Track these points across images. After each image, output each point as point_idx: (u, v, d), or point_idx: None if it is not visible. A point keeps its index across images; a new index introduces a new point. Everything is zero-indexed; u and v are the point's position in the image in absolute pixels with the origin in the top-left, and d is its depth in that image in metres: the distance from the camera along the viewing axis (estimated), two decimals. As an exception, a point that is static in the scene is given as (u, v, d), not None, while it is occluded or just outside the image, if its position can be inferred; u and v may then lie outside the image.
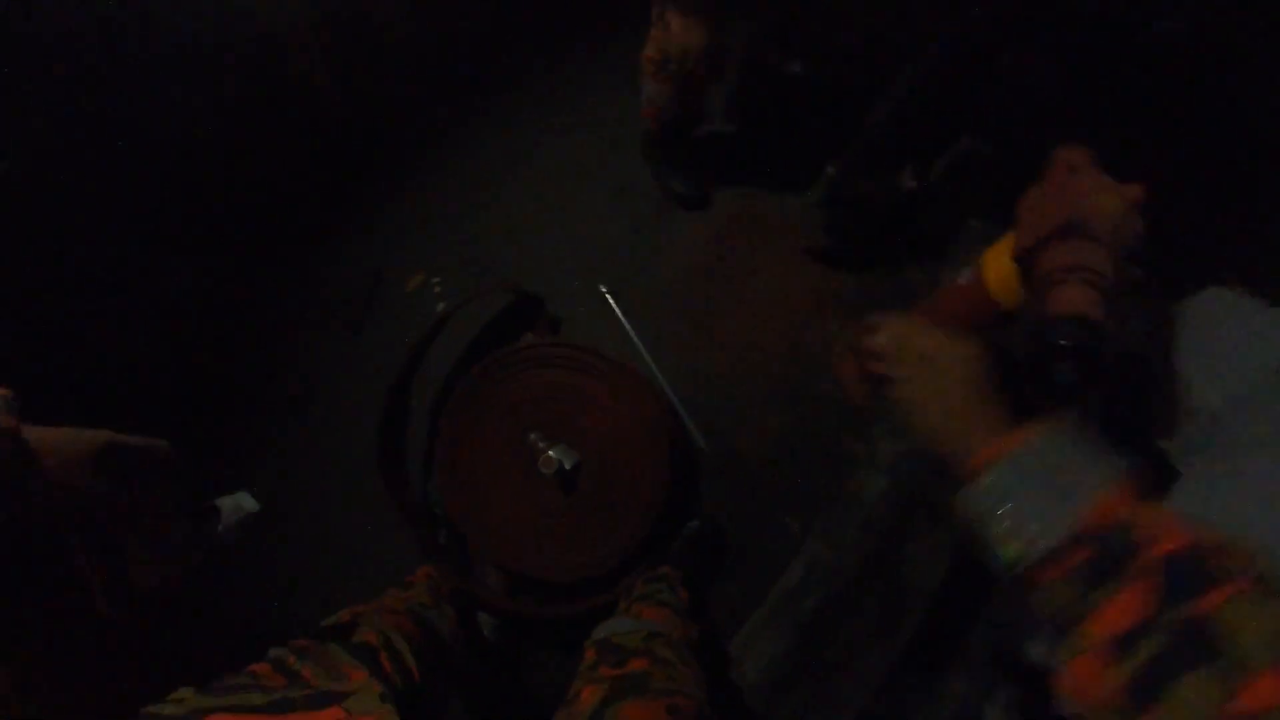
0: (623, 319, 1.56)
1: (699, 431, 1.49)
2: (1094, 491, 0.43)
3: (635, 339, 1.54)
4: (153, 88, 1.59)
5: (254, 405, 1.61)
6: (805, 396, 1.49)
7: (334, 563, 1.50)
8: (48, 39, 1.51)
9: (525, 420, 1.39)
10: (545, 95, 1.77)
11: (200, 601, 1.14)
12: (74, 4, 1.53)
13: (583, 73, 1.76)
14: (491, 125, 1.76)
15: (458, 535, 1.43)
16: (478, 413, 1.40)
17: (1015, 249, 1.05)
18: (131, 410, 1.49)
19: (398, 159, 1.75)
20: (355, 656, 0.77)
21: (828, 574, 1.27)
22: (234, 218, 1.66)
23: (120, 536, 0.55)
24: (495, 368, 1.40)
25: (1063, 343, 0.84)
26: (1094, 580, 0.39)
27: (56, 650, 0.44)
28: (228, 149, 1.67)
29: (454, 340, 1.54)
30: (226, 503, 0.79)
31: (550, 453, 1.33)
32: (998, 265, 1.08)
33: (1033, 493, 0.45)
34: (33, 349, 1.40)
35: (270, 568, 1.48)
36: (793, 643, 1.24)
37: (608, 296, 1.57)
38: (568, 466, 1.32)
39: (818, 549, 1.32)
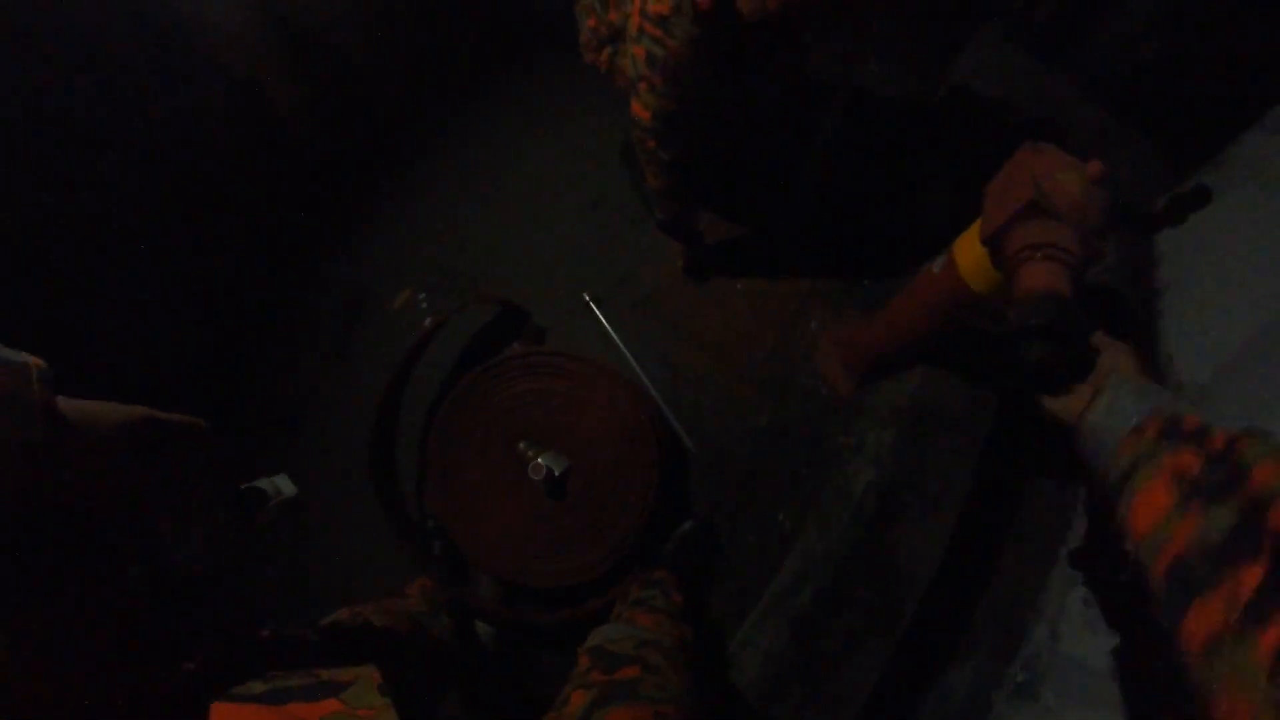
0: (606, 325, 1.57)
1: (687, 433, 1.50)
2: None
3: (620, 344, 1.56)
4: (134, 135, 1.59)
5: (246, 428, 1.62)
6: (791, 393, 1.50)
7: (330, 577, 1.49)
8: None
9: (514, 429, 1.40)
10: (519, 109, 1.80)
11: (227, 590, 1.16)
12: (57, 83, 1.53)
13: (554, 86, 1.79)
14: (467, 142, 1.78)
15: (452, 546, 1.44)
16: (467, 424, 1.41)
17: (982, 232, 1.06)
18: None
19: (375, 180, 1.77)
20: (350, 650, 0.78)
21: (820, 568, 1.27)
22: (217, 247, 1.67)
23: (158, 517, 0.54)
24: (483, 379, 1.42)
25: (1031, 321, 0.85)
26: (1169, 441, 0.54)
27: (81, 632, 0.43)
28: (211, 183, 1.69)
29: (442, 354, 1.56)
30: (266, 485, 0.78)
31: (539, 460, 1.34)
32: (969, 251, 1.10)
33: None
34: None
35: (264, 586, 1.48)
36: (788, 639, 1.24)
37: (591, 304, 1.59)
38: (557, 473, 1.33)
39: (810, 543, 1.32)
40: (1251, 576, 0.40)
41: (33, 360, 0.44)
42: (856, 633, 1.27)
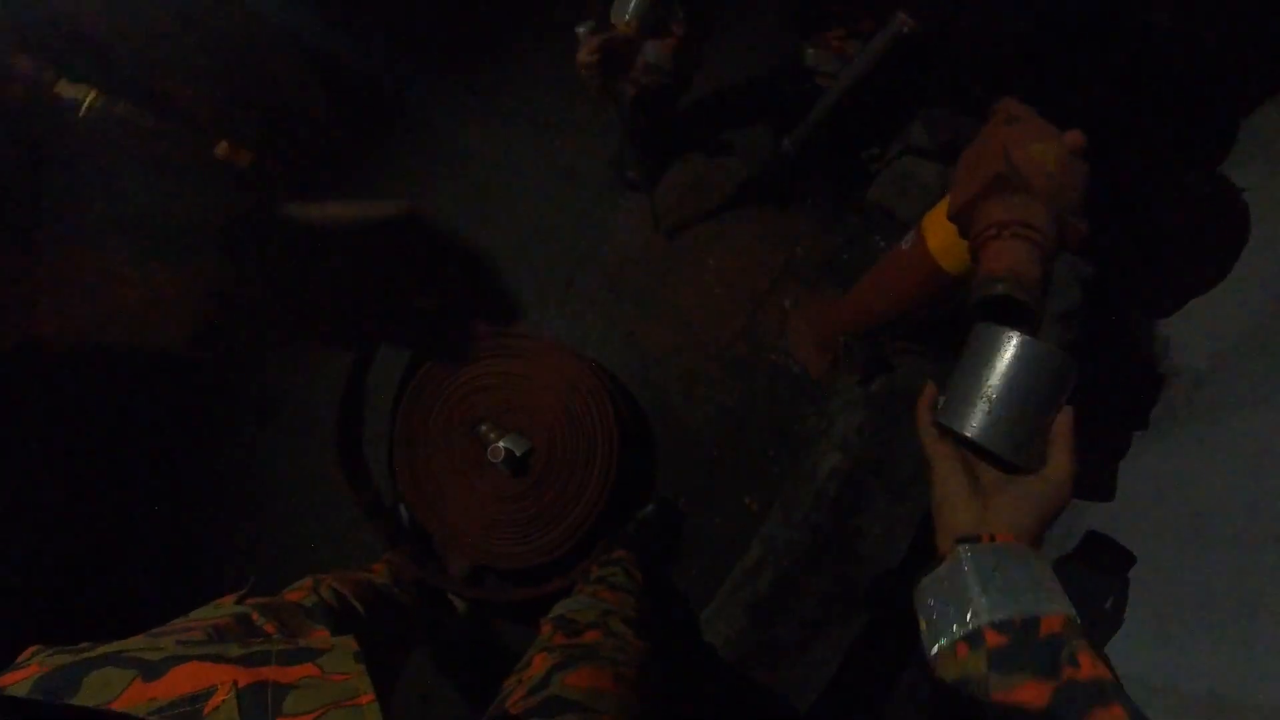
0: (574, 304, 1.53)
1: (652, 413, 1.47)
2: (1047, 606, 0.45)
3: (586, 324, 1.52)
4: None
5: (220, 418, 1.61)
6: (761, 373, 1.45)
7: (303, 560, 1.52)
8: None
9: (477, 411, 1.38)
10: (483, 84, 1.71)
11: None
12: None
13: (520, 59, 1.69)
14: (431, 119, 1.70)
15: (421, 528, 1.45)
16: (430, 408, 1.40)
17: (950, 208, 0.99)
18: (98, 421, 1.54)
19: (341, 167, 1.71)
20: (310, 618, 0.78)
21: (780, 554, 1.24)
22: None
23: None
24: (440, 365, 1.40)
25: (996, 295, 0.78)
26: (1006, 666, 0.42)
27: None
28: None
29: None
30: None
31: (500, 443, 1.32)
32: (939, 227, 1.02)
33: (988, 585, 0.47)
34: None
35: (239, 566, 1.51)
36: (746, 624, 1.23)
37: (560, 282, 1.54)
38: (518, 454, 1.32)
39: (772, 528, 1.30)
40: None
41: None
42: (815, 621, 1.25)
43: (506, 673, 0.83)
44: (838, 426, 1.31)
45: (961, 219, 0.95)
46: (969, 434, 0.54)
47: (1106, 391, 1.36)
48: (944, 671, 0.46)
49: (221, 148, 1.33)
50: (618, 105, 1.11)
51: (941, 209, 1.02)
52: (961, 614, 0.46)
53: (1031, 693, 0.40)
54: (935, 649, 0.47)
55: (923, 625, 0.49)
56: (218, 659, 0.47)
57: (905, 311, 1.15)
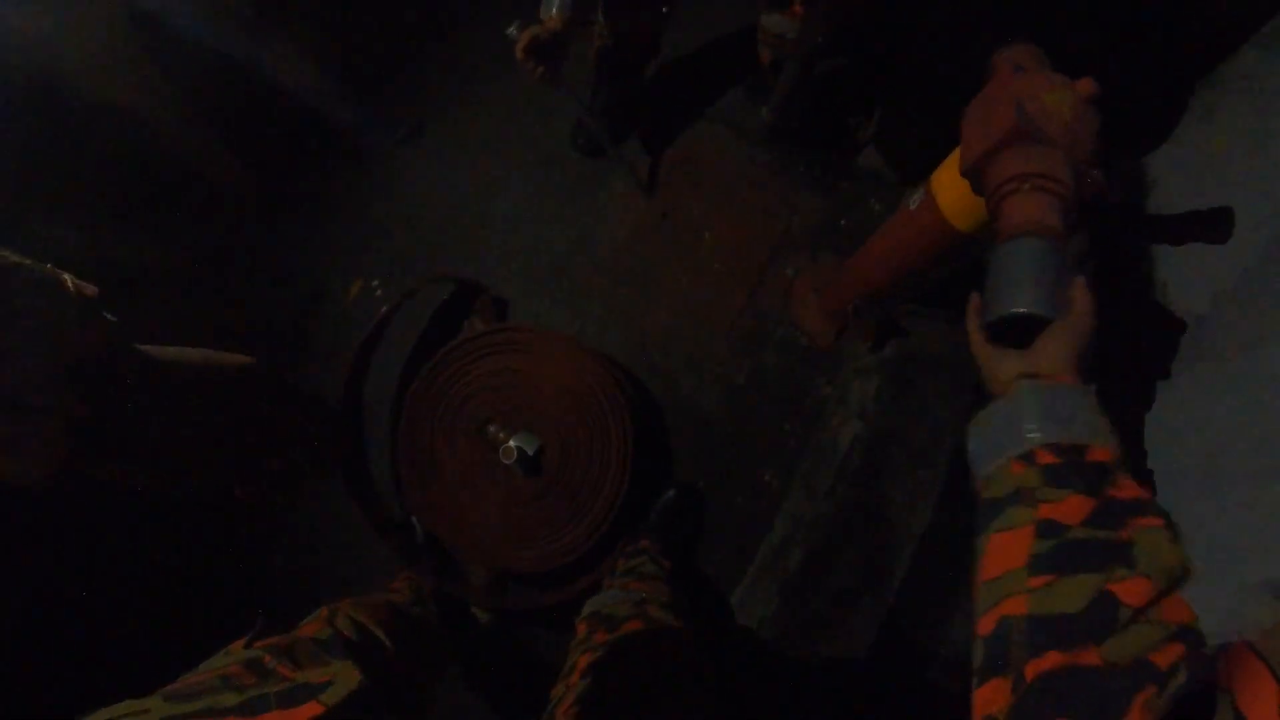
0: (568, 293, 1.48)
1: (661, 398, 1.43)
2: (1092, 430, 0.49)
3: (583, 312, 1.47)
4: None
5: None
6: (768, 347, 1.42)
7: (317, 583, 1.47)
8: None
9: (482, 412, 1.33)
10: (458, 71, 1.64)
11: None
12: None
13: (491, 43, 1.62)
14: (406, 114, 1.63)
15: (434, 538, 1.40)
16: (434, 413, 1.34)
17: (961, 163, 0.96)
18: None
19: (318, 166, 1.63)
20: (328, 651, 0.75)
21: (806, 530, 1.23)
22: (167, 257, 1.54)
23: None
24: (440, 368, 1.34)
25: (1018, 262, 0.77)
26: (1057, 481, 0.46)
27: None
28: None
29: (403, 341, 1.47)
30: None
31: (510, 442, 1.28)
32: (950, 184, 0.99)
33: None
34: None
35: (251, 596, 1.45)
36: (779, 604, 1.22)
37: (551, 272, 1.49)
38: (530, 453, 1.28)
39: (798, 502, 1.28)
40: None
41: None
42: (849, 592, 1.24)
43: (542, 681, 0.80)
44: (853, 395, 1.29)
45: (974, 175, 0.93)
46: (1016, 309, 0.63)
47: (1108, 339, 1.38)
48: (995, 490, 0.49)
49: (69, 282, 1.24)
50: (559, 89, 1.19)
51: (950, 166, 1.00)
52: (1018, 437, 0.50)
53: (1076, 503, 0.44)
54: (991, 468, 0.51)
55: (973, 451, 0.54)
56: (214, 713, 0.46)
57: (915, 272, 1.13)
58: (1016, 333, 0.64)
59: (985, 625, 0.43)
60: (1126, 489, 0.45)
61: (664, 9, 1.30)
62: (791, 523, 1.27)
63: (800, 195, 1.47)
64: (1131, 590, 0.38)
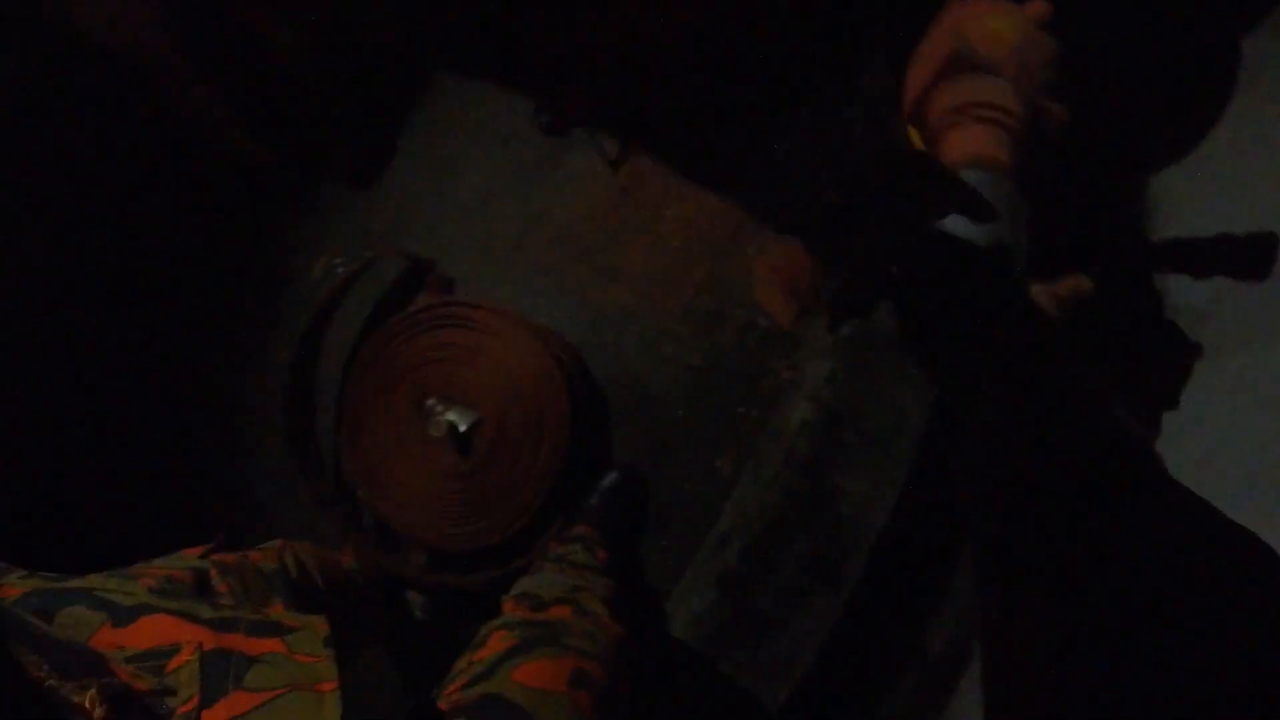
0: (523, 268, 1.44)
1: (610, 378, 1.37)
2: None
3: (536, 288, 1.43)
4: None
5: (184, 410, 1.57)
6: (727, 327, 1.34)
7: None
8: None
9: (423, 386, 1.30)
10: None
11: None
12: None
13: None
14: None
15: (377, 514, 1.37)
16: (375, 385, 1.32)
17: (904, 107, 0.88)
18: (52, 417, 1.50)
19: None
20: (270, 585, 0.74)
21: (750, 520, 1.13)
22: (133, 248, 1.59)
23: None
24: (385, 337, 1.32)
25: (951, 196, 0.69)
26: None
27: None
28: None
29: (352, 320, 1.46)
30: None
31: (445, 416, 1.24)
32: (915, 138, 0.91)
33: None
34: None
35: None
36: (716, 599, 1.12)
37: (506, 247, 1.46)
38: (462, 428, 1.23)
39: (744, 490, 1.19)
40: None
41: None
42: (798, 590, 1.13)
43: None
44: (808, 377, 1.20)
45: (917, 115, 0.85)
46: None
47: (1107, 334, 1.26)
48: None
49: None
50: None
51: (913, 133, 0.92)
52: None
53: None
54: None
55: None
56: (189, 617, 0.46)
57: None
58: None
59: None
60: None
61: None
62: (736, 510, 1.17)
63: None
64: None
